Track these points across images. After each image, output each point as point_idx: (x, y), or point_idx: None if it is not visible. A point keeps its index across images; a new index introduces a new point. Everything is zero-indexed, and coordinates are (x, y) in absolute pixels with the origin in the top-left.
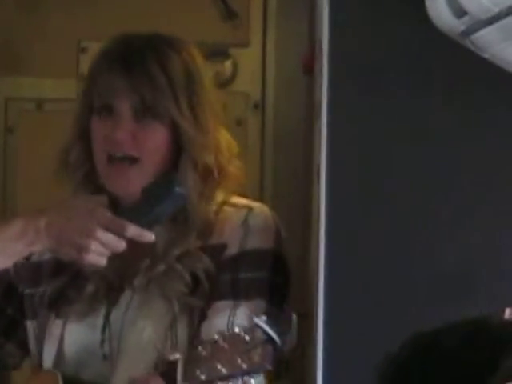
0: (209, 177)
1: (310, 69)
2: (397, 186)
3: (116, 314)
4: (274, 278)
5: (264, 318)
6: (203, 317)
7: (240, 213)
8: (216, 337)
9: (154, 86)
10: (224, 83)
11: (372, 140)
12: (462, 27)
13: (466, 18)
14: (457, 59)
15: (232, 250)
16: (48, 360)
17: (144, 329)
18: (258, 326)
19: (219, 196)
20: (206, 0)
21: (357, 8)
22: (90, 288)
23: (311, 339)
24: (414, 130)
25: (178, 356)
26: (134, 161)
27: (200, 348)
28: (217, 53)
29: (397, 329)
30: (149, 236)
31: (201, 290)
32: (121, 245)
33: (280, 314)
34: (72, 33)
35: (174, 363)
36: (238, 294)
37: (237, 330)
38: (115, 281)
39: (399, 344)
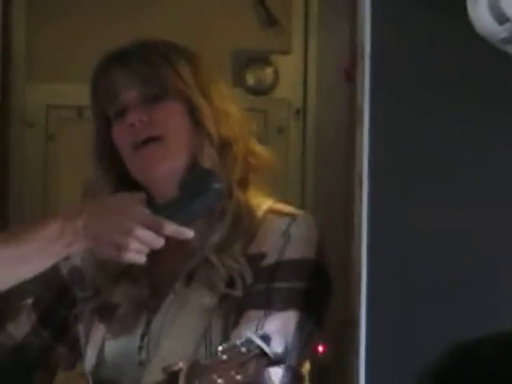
0: (228, 152)
1: (351, 75)
2: (439, 193)
3: (157, 320)
4: (312, 289)
5: (261, 332)
6: (235, 322)
7: (283, 221)
8: (218, 348)
9: (154, 68)
10: (265, 90)
11: (414, 146)
12: (504, 34)
13: (508, 25)
14: (497, 66)
15: (270, 259)
16: (89, 364)
17: (179, 337)
18: (251, 341)
19: (264, 203)
20: (248, 7)
21: (398, 14)
22: (134, 295)
23: (353, 347)
24: (456, 136)
25: (181, 365)
26: (157, 140)
27: (203, 359)
28: (258, 60)
29: (438, 339)
30: (187, 233)
31: (237, 287)
32: (159, 242)
33: (314, 326)
34: (112, 39)
35: (176, 374)
36: (270, 304)
37: (237, 342)
38: (159, 286)
39: (439, 355)
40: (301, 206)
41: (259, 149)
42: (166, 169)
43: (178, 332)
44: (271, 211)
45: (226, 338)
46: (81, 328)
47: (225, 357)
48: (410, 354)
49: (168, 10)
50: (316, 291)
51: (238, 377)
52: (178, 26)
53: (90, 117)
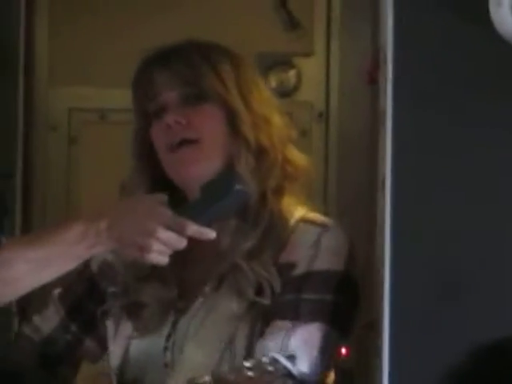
0: (265, 160)
1: (373, 78)
2: (464, 196)
3: (183, 322)
4: (340, 302)
5: (286, 349)
6: (262, 333)
7: (313, 231)
8: (245, 364)
9: (195, 69)
10: (288, 93)
11: (437, 149)
12: None
13: None
14: None
15: (300, 269)
16: (115, 362)
17: (204, 342)
18: (277, 361)
19: (298, 211)
20: (270, 10)
21: (421, 16)
22: (163, 295)
23: (376, 351)
24: (480, 139)
25: (206, 379)
26: (192, 143)
27: (228, 374)
28: (280, 62)
29: (461, 341)
30: (209, 234)
31: (265, 296)
32: (182, 243)
33: (340, 339)
34: (135, 42)
35: None
36: (297, 315)
37: (264, 359)
38: (188, 288)
39: (462, 357)
40: (323, 209)
41: (297, 156)
42: (199, 171)
43: (204, 336)
44: (303, 220)
45: (250, 345)
46: (109, 324)
47: (251, 373)
48: (434, 357)
49: (191, 13)
50: (343, 304)
51: None
52: (200, 29)
53: (124, 120)
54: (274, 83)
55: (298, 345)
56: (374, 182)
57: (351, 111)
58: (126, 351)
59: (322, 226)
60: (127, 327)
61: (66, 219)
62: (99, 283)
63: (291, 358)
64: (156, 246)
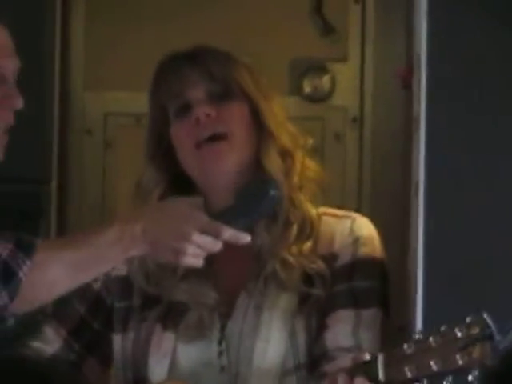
0: (289, 160)
1: (407, 83)
2: (497, 198)
3: (233, 324)
4: (384, 286)
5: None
6: (321, 325)
7: (344, 223)
8: (418, 336)
9: (222, 65)
10: (322, 98)
11: (470, 153)
12: None
13: None
14: None
15: (344, 259)
16: (159, 373)
17: (268, 339)
18: (478, 320)
19: (312, 208)
20: (305, 16)
21: (454, 21)
22: (206, 294)
23: None
24: None
25: (376, 355)
26: (221, 137)
27: (405, 346)
28: (315, 68)
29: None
30: (244, 238)
31: (315, 287)
32: (217, 246)
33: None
34: (170, 46)
35: (372, 362)
36: (357, 302)
37: (443, 327)
38: (226, 290)
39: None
40: (357, 212)
41: (312, 164)
42: (228, 166)
43: (268, 334)
44: (324, 214)
45: (309, 338)
46: (126, 339)
47: (435, 343)
48: None
49: (225, 18)
50: (386, 289)
51: (461, 361)
52: (235, 36)
53: (147, 116)
54: (308, 88)
55: (366, 330)
56: (407, 186)
57: (385, 116)
58: (173, 361)
59: (348, 217)
60: (167, 336)
61: (102, 223)
62: (105, 300)
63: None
64: (191, 249)
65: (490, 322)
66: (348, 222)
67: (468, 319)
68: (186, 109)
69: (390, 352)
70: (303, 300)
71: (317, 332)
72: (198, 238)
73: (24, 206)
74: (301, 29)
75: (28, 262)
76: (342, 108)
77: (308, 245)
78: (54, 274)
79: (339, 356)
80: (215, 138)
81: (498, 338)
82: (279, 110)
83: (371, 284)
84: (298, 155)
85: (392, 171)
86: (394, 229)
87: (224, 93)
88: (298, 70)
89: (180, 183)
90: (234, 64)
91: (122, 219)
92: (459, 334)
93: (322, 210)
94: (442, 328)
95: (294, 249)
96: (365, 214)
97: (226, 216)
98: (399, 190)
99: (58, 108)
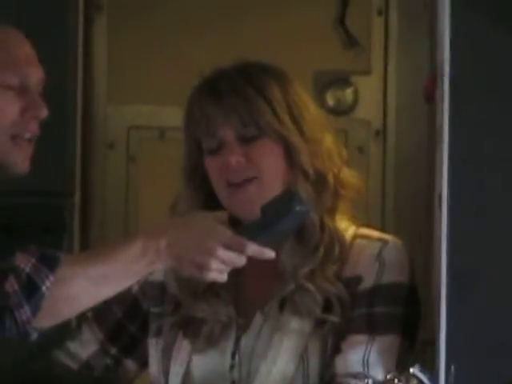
0: (322, 184)
1: (431, 96)
2: None
3: (247, 340)
4: (408, 314)
5: (418, 365)
6: (336, 348)
7: (374, 246)
8: (367, 381)
9: (249, 104)
10: (345, 111)
11: (494, 165)
12: None
13: None
14: None
15: (367, 283)
16: (175, 380)
17: (275, 361)
18: (413, 375)
19: (349, 227)
20: (327, 28)
21: (478, 33)
22: (220, 311)
23: (433, 367)
24: None
25: None
26: (252, 180)
27: None
28: (338, 80)
29: None
30: (269, 253)
31: (334, 312)
32: (241, 261)
33: (409, 351)
34: (193, 60)
35: None
36: (373, 328)
37: (389, 376)
38: (245, 305)
39: None
40: (381, 226)
41: (349, 176)
42: (258, 209)
43: (275, 356)
44: (359, 236)
45: (323, 361)
46: (160, 343)
47: None
48: (491, 375)
49: (248, 32)
50: (411, 315)
51: None
52: (258, 48)
53: (183, 139)
54: (331, 101)
55: (378, 357)
56: (431, 199)
57: (408, 129)
58: (188, 369)
59: (381, 240)
60: (185, 345)
61: (125, 236)
62: (141, 304)
63: (423, 371)
64: (215, 264)
65: (422, 376)
66: (378, 245)
67: (411, 370)
68: (217, 147)
69: None
70: (319, 324)
71: (333, 355)
72: (222, 253)
73: (47, 219)
74: (324, 41)
75: (51, 277)
76: (365, 121)
77: (333, 268)
78: (78, 288)
79: (347, 382)
80: (244, 183)
81: None
82: (316, 128)
83: (391, 310)
84: (333, 174)
85: (415, 184)
86: (418, 241)
87: (254, 133)
88: (321, 82)
89: (215, 207)
90: (264, 94)
91: (146, 233)
92: None
93: (361, 230)
94: (389, 376)
95: (318, 273)
96: (388, 228)
97: (250, 231)
98: (423, 202)
99: (81, 121)
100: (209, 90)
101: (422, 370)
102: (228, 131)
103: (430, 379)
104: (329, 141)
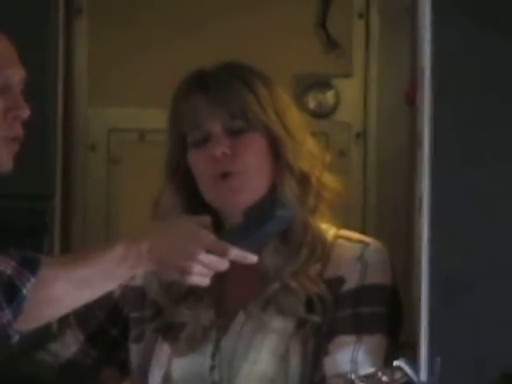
0: (305, 184)
1: (412, 99)
2: (502, 215)
3: (227, 341)
4: (392, 313)
5: (403, 358)
6: (317, 350)
7: (355, 247)
8: (351, 376)
9: (238, 97)
10: (326, 113)
11: (475, 169)
12: None
13: None
14: None
15: (351, 284)
16: (155, 383)
17: (256, 361)
18: (398, 367)
19: (330, 229)
20: (308, 31)
21: (459, 36)
22: (202, 315)
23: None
24: None
25: None
26: (238, 175)
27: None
28: (319, 83)
29: (500, 363)
30: (251, 258)
31: (316, 312)
32: (224, 265)
33: (394, 351)
34: (173, 62)
35: None
36: (360, 328)
37: (373, 369)
38: (227, 306)
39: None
40: (362, 229)
41: (331, 180)
42: (244, 201)
43: (256, 356)
44: (340, 236)
45: (304, 362)
46: (140, 348)
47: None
48: (472, 378)
49: (229, 34)
50: (395, 315)
51: None
52: (238, 50)
53: (163, 140)
54: (312, 104)
55: (367, 357)
56: (412, 202)
57: (389, 132)
58: (167, 372)
59: (362, 242)
60: (165, 348)
61: (106, 239)
62: (122, 309)
63: (407, 363)
64: (197, 268)
65: (407, 368)
66: (360, 247)
67: (395, 363)
68: (204, 140)
69: None
70: (301, 324)
71: (314, 356)
72: (204, 257)
73: (28, 222)
74: (305, 44)
75: (32, 279)
76: (346, 124)
77: (316, 268)
78: (59, 291)
79: (336, 383)
80: (229, 175)
81: (421, 382)
82: (298, 128)
83: (376, 311)
84: (315, 176)
85: (396, 187)
86: (399, 244)
87: (241, 125)
88: (302, 85)
89: (198, 204)
90: (252, 89)
91: (128, 237)
92: (384, 379)
93: (341, 232)
94: (372, 370)
95: (301, 273)
96: (369, 230)
97: (232, 235)
98: (403, 204)
99: (62, 124)
100: (196, 83)
101: (407, 363)
102: (215, 123)
103: (414, 372)
104: (311, 144)
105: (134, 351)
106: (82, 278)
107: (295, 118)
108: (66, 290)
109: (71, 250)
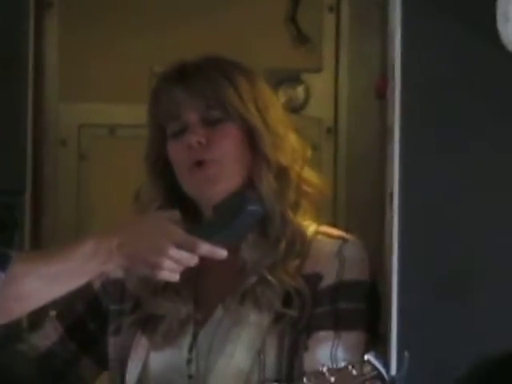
0: (284, 178)
1: (382, 93)
2: (471, 208)
3: (205, 334)
4: (371, 309)
5: (373, 352)
6: (294, 343)
7: (334, 243)
8: (322, 369)
9: (216, 88)
10: (296, 108)
11: (444, 163)
12: None
13: None
14: None
15: (329, 280)
16: (132, 377)
17: (233, 355)
18: (368, 361)
19: (311, 225)
20: (278, 25)
21: (429, 32)
22: (180, 308)
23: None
24: (489, 152)
25: None
26: (212, 163)
27: (305, 380)
28: (289, 78)
29: (469, 355)
30: (221, 253)
31: (293, 306)
32: (193, 260)
33: (376, 345)
34: (143, 58)
35: None
36: (338, 324)
37: (343, 363)
38: (205, 300)
39: (468, 369)
40: (332, 224)
41: (312, 176)
42: (219, 191)
43: (233, 350)
44: (320, 233)
45: (280, 357)
46: (118, 341)
47: (333, 379)
48: (442, 369)
49: (199, 29)
50: (374, 311)
51: None
52: (209, 45)
53: (147, 126)
54: (282, 99)
55: (346, 353)
56: (382, 196)
57: (360, 126)
58: (145, 366)
59: (341, 238)
60: (142, 341)
61: (76, 234)
62: (101, 301)
63: (377, 357)
64: (167, 263)
65: (376, 362)
66: (338, 243)
67: (365, 357)
68: (181, 131)
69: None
70: (277, 318)
71: (290, 350)
72: (174, 252)
73: None
74: (275, 39)
75: (2, 275)
76: (317, 118)
77: (294, 263)
78: (30, 287)
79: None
80: (206, 162)
81: (391, 375)
82: (280, 123)
83: (355, 307)
84: (295, 171)
85: (367, 181)
86: (370, 239)
87: (219, 116)
88: (272, 80)
89: (178, 196)
90: (232, 82)
91: (98, 233)
92: (354, 372)
93: (322, 228)
94: (343, 364)
95: (279, 267)
96: (340, 226)
97: (203, 230)
98: (374, 199)
99: (32, 119)
100: (176, 75)
101: (377, 357)
102: (192, 114)
103: (384, 365)
104: (293, 139)
105: (113, 344)
106: (52, 273)
107: (278, 113)
108: (36, 285)
109: (42, 245)
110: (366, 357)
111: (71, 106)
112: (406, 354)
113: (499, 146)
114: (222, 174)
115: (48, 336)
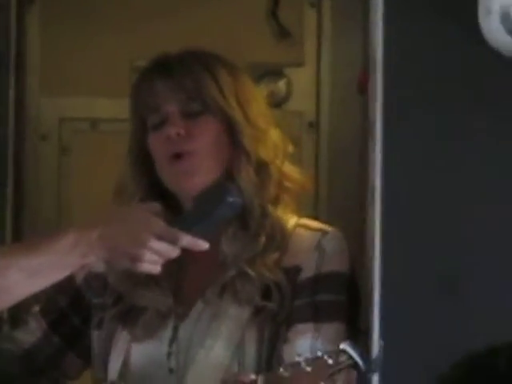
0: (265, 173)
1: (364, 87)
2: (453, 204)
3: (185, 328)
4: (351, 301)
5: (348, 342)
6: (274, 336)
7: (314, 236)
8: (298, 359)
9: (196, 81)
10: (278, 103)
11: (427, 159)
12: None
13: None
14: (509, 77)
15: (308, 272)
16: (113, 371)
17: (212, 348)
18: (343, 350)
19: (291, 218)
20: (260, 20)
21: (410, 26)
22: (160, 300)
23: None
24: (470, 149)
25: (253, 377)
26: (191, 155)
27: (281, 370)
28: (271, 72)
29: (452, 349)
30: (202, 245)
31: (272, 299)
32: (174, 252)
33: (356, 338)
34: (124, 52)
35: None
36: (318, 316)
37: (319, 353)
38: (186, 293)
39: (452, 364)
40: (314, 217)
41: (293, 171)
42: (198, 183)
43: (212, 344)
44: (300, 225)
45: (259, 350)
46: (100, 335)
47: (309, 368)
48: (424, 364)
49: (181, 23)
50: (353, 303)
51: None
52: (190, 39)
53: (129, 119)
54: (264, 93)
55: (326, 345)
56: (364, 192)
57: (342, 121)
58: (126, 359)
59: (321, 230)
60: (124, 335)
61: (57, 227)
62: (84, 295)
63: (352, 346)
64: (148, 256)
65: (352, 352)
66: (318, 235)
67: (341, 346)
68: (161, 123)
69: (269, 374)
70: (257, 311)
71: (270, 344)
72: (154, 244)
73: None
74: (256, 33)
75: None
76: (298, 113)
77: (274, 256)
78: (11, 279)
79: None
80: (185, 154)
81: (365, 365)
82: (261, 118)
83: (334, 298)
84: (276, 166)
85: (348, 176)
86: (351, 235)
87: (199, 108)
88: (254, 74)
89: (159, 189)
90: (213, 75)
91: (78, 225)
92: (330, 361)
93: (302, 221)
94: (319, 354)
95: (259, 260)
96: (321, 221)
97: (183, 222)
98: (356, 194)
99: (14, 113)
100: (157, 67)
101: (352, 346)
102: (172, 106)
103: (360, 355)
104: (274, 134)
105: (95, 338)
106: (32, 266)
107: (259, 107)
108: (17, 278)
109: (23, 239)
110: (341, 346)
111: (52, 100)
112: (381, 342)
113: (482, 140)
114: (200, 166)
115: (32, 331)
